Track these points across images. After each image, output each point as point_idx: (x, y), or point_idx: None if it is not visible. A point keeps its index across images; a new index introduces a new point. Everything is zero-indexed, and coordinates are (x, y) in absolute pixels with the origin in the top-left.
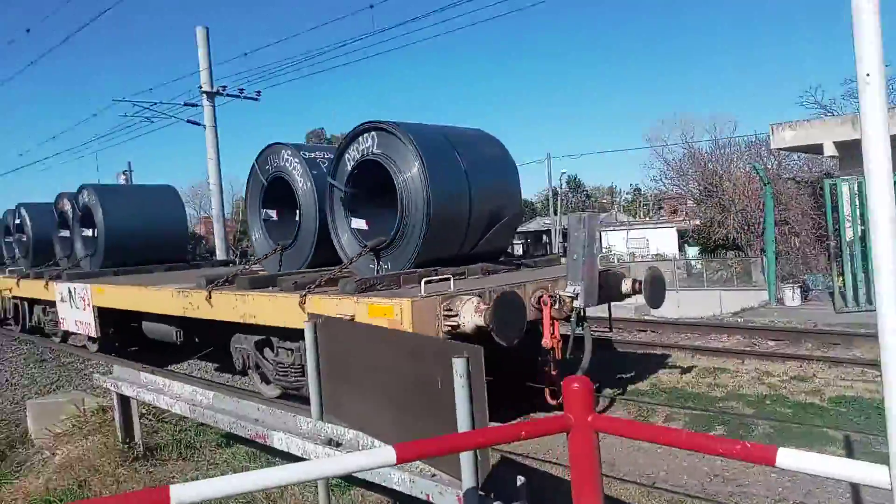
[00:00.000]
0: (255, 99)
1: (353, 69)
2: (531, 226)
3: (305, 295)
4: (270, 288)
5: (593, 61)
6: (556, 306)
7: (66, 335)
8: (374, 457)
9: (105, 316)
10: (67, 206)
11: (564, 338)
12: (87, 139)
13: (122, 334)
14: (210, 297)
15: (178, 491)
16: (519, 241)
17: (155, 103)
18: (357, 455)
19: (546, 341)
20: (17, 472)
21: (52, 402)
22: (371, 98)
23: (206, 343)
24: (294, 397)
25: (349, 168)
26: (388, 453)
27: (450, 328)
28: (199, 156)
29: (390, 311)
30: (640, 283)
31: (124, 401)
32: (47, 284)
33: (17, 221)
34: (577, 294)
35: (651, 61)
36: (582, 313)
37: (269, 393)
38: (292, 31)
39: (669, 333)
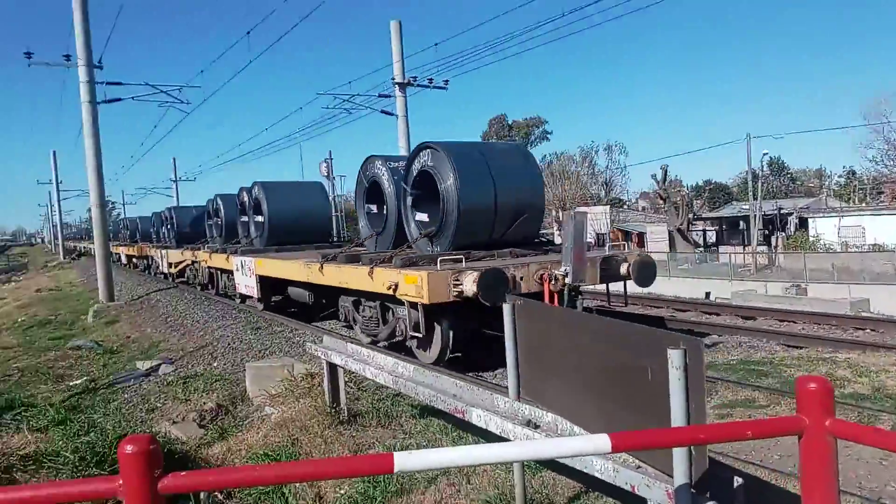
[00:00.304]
0: (444, 88)
1: (537, 55)
2: (725, 211)
3: (372, 268)
4: (358, 263)
5: (803, 33)
6: (553, 282)
7: (243, 297)
8: (589, 443)
9: (265, 282)
10: (245, 197)
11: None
12: (292, 131)
13: (281, 299)
14: (322, 269)
15: (401, 458)
16: (712, 228)
17: (353, 95)
18: (573, 440)
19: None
20: (241, 426)
21: (267, 366)
22: (553, 83)
23: (327, 304)
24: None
25: (414, 175)
26: (603, 441)
27: (457, 293)
28: (389, 143)
29: (415, 280)
30: (631, 266)
31: (332, 368)
32: (228, 258)
33: (215, 208)
34: (567, 273)
35: (869, 32)
36: (576, 288)
37: (364, 339)
38: (479, 20)
39: (894, 333)
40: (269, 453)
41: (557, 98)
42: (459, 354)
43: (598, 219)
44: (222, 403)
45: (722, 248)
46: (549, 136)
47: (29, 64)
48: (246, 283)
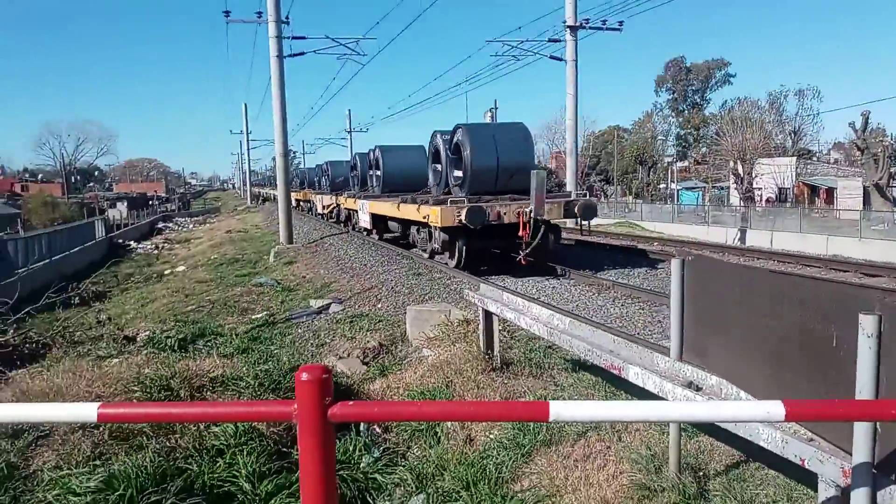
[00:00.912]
0: (618, 30)
1: None
2: None
3: (419, 206)
4: (415, 203)
5: None
6: (525, 216)
7: (367, 231)
8: (759, 409)
9: (375, 218)
10: (371, 157)
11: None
12: (459, 80)
13: (385, 230)
14: (398, 207)
15: (556, 407)
16: None
17: (522, 41)
18: (741, 404)
19: (521, 233)
20: (400, 365)
21: (426, 310)
22: (740, 21)
23: (407, 232)
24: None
25: (453, 145)
26: (775, 408)
27: (459, 220)
28: (554, 92)
29: (436, 212)
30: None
31: (488, 316)
32: (355, 201)
33: (353, 163)
34: (531, 210)
35: None
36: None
37: (423, 254)
38: None
39: None
40: (425, 392)
41: (743, 38)
42: (486, 268)
43: (781, 171)
44: (384, 343)
45: None
46: (731, 79)
47: (227, 21)
48: (364, 219)
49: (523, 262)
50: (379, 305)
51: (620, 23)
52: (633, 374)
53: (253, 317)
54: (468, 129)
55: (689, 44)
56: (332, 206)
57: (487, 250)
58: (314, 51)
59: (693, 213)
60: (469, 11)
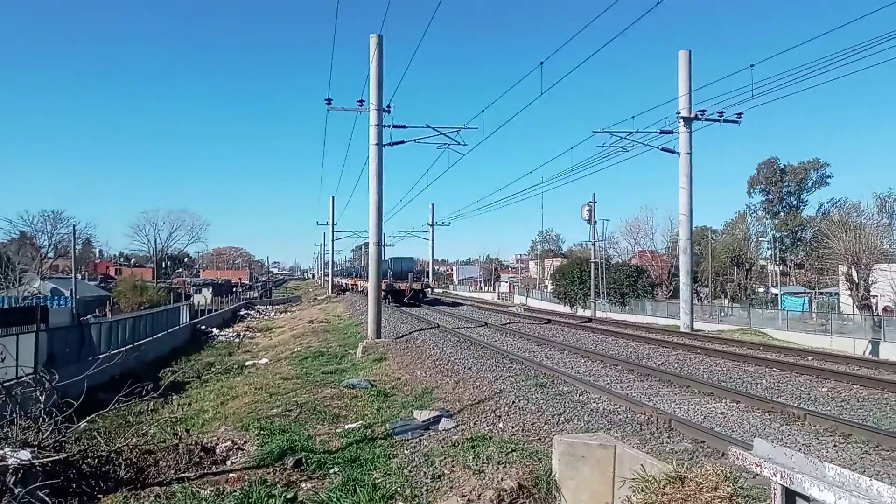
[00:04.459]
0: (736, 122)
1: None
2: None
3: (382, 282)
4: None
5: None
6: (408, 287)
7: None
8: None
9: (386, 291)
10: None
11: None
12: (557, 172)
13: (390, 297)
14: (378, 284)
15: None
16: None
17: (632, 132)
18: None
19: (406, 292)
20: None
21: (581, 443)
22: (837, 120)
23: (389, 297)
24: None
25: (391, 263)
26: None
27: (387, 288)
28: (639, 189)
29: (384, 285)
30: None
31: (789, 496)
32: (357, 283)
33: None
34: (409, 284)
35: None
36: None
37: (393, 305)
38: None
39: None
40: None
41: (842, 137)
42: (407, 308)
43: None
44: (524, 484)
45: None
46: (828, 180)
47: (328, 109)
48: (361, 289)
49: (407, 301)
50: (501, 426)
51: (739, 114)
52: None
53: (347, 426)
54: (393, 258)
55: (776, 141)
56: (358, 287)
57: (399, 299)
58: (414, 140)
59: (800, 321)
60: (573, 106)
